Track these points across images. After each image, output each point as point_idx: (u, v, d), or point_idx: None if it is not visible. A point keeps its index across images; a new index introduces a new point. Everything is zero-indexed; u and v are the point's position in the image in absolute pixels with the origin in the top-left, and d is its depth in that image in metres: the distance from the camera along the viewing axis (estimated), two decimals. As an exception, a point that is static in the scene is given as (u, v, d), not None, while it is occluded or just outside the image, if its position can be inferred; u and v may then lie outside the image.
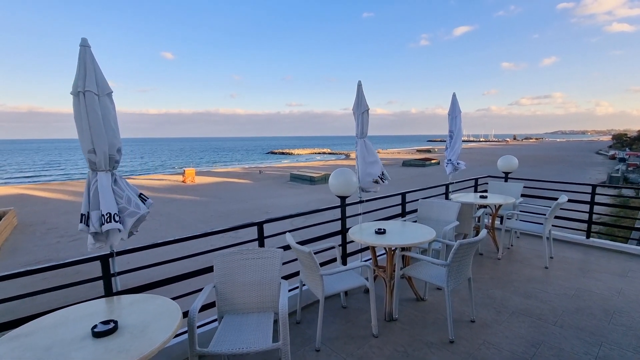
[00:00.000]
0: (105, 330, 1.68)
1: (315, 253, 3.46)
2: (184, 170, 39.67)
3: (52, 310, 1.92)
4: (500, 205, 5.01)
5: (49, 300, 2.25)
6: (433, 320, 3.20)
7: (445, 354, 2.66)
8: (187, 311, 2.13)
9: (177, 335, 2.54)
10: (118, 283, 2.27)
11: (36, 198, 28.56)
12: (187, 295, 2.69)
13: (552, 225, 5.07)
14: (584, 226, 5.31)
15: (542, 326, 3.04)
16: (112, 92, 2.11)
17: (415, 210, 4.50)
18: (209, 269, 2.62)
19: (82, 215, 2.07)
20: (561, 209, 4.61)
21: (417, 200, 4.49)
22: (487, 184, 5.95)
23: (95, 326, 1.70)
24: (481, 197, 5.04)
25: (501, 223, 4.88)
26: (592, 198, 5.16)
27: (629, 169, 39.13)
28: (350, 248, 3.93)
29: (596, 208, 5.34)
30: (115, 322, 1.74)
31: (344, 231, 3.75)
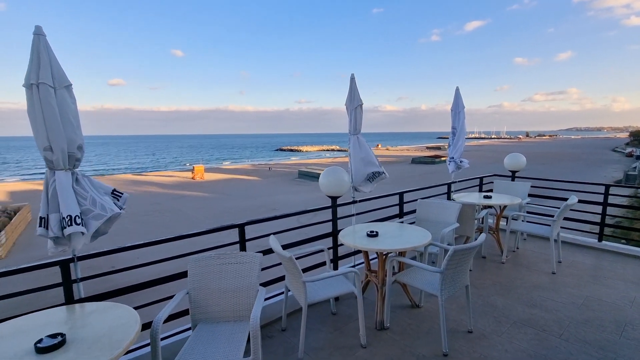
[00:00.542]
0: (50, 346, 1.53)
1: (304, 256, 3.31)
2: (193, 167, 39.95)
3: (3, 320, 1.79)
4: (505, 206, 4.74)
5: (9, 307, 2.12)
6: (427, 329, 2.99)
7: (437, 369, 2.46)
8: (152, 322, 1.97)
9: (141, 347, 2.39)
10: (81, 290, 2.13)
11: None
12: (157, 302, 2.54)
13: (562, 228, 4.78)
14: (596, 228, 5.00)
15: (546, 339, 2.80)
16: (71, 84, 1.95)
17: (414, 211, 4.27)
18: (184, 274, 2.46)
19: (40, 218, 1.93)
20: (572, 210, 4.32)
21: (417, 200, 4.26)
22: (492, 183, 5.66)
23: (40, 340, 1.56)
24: (485, 197, 4.77)
25: (506, 224, 4.61)
26: (605, 199, 4.84)
27: (647, 167, 37.69)
28: (342, 250, 3.73)
29: (610, 209, 5.01)
30: (64, 335, 1.60)
31: (335, 233, 3.56)
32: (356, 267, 3.82)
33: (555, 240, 4.36)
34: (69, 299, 2.10)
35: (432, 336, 2.88)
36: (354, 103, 3.47)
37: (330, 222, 3.61)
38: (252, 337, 1.93)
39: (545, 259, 4.53)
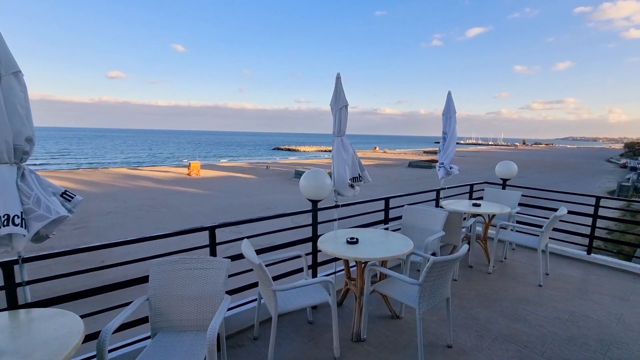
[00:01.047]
0: (-28, 359, 1.38)
1: (281, 262, 3.17)
2: (190, 163, 39.67)
3: None
4: (494, 215, 4.63)
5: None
6: (406, 342, 2.86)
7: (411, 387, 2.33)
8: (100, 332, 1.81)
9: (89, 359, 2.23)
10: (27, 294, 1.97)
11: None
12: (116, 308, 2.38)
13: (551, 239, 4.68)
14: (586, 240, 4.90)
15: (528, 356, 2.67)
16: (20, 71, 1.80)
17: (400, 217, 4.15)
18: (146, 279, 2.31)
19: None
20: (561, 221, 4.22)
21: (403, 206, 4.14)
22: (483, 190, 5.55)
23: (-38, 352, 1.40)
24: (474, 204, 4.66)
25: (495, 233, 4.49)
26: (596, 211, 4.74)
27: (641, 178, 37.98)
28: (323, 256, 3.59)
29: (601, 221, 4.92)
30: (-9, 347, 1.44)
31: (314, 238, 3.42)
32: (336, 274, 3.69)
33: (543, 251, 4.26)
34: (12, 304, 1.94)
35: (410, 350, 2.75)
36: (339, 103, 3.34)
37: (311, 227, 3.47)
38: (207, 351, 1.79)
39: (533, 270, 4.43)
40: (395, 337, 2.94)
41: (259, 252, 3.13)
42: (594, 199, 4.78)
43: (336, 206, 3.59)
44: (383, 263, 3.13)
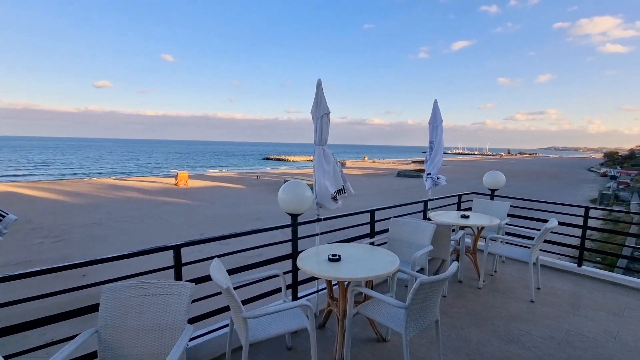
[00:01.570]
0: None
1: (257, 281, 2.91)
2: (177, 173, 38.95)
3: None
4: (483, 227, 4.49)
5: None
6: (392, 369, 2.62)
7: None
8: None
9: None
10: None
11: (24, 196, 27.61)
12: (59, 343, 2.07)
13: (541, 250, 4.55)
14: (575, 251, 4.79)
15: (523, 383, 2.47)
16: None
17: (387, 230, 3.95)
18: (96, 307, 2.02)
19: None
20: (551, 232, 4.11)
21: (390, 218, 3.95)
22: (471, 200, 5.43)
23: None
24: (462, 216, 4.50)
25: (485, 246, 4.33)
26: (585, 222, 4.65)
27: (620, 186, 39.06)
28: (304, 273, 3.35)
29: (589, 232, 4.83)
30: None
31: (294, 255, 3.18)
32: (319, 293, 3.44)
33: (535, 264, 4.11)
34: None
35: (397, 378, 2.51)
36: (320, 111, 3.15)
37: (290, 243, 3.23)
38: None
39: (524, 284, 4.27)
40: (381, 363, 2.70)
41: (232, 271, 2.87)
42: (583, 209, 4.69)
43: (318, 220, 3.37)
44: (368, 282, 2.91)
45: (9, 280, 1.90)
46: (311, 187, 3.28)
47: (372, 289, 3.98)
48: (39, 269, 1.97)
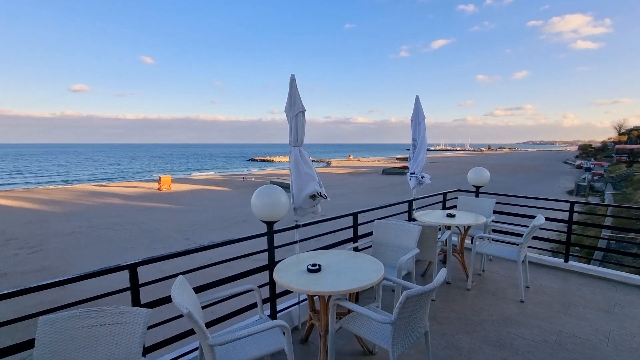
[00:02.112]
0: None
1: (232, 297, 2.64)
2: (159, 178, 37.84)
3: None
4: (469, 226, 4.36)
5: None
6: (380, 386, 2.42)
7: None
8: None
9: None
10: None
11: None
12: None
13: (528, 247, 4.47)
14: (560, 247, 4.73)
15: (519, 395, 2.31)
16: None
17: (371, 234, 3.75)
18: (32, 343, 1.71)
19: None
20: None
21: (374, 221, 3.75)
22: (456, 198, 5.31)
23: None
24: (448, 215, 4.36)
25: (472, 244, 4.20)
26: (571, 216, 4.59)
27: (594, 178, 40.59)
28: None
29: (574, 226, 4.78)
30: None
31: (271, 266, 2.93)
32: (300, 305, 3.21)
33: (523, 262, 4.00)
34: None
35: (385, 397, 2.31)
36: (295, 109, 2.91)
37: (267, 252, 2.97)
38: None
39: (513, 283, 4.16)
40: (368, 380, 2.49)
41: (204, 288, 2.60)
42: (568, 204, 4.64)
43: (297, 226, 3.13)
44: (351, 295, 2.70)
45: None
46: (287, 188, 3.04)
47: (357, 297, 3.80)
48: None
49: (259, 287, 2.83)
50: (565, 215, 4.67)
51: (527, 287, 4.03)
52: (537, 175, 45.09)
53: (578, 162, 64.20)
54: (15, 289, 1.77)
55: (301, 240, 3.19)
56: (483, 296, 3.84)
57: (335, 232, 3.87)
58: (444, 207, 5.53)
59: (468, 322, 3.28)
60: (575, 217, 4.68)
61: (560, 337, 2.99)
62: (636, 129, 64.08)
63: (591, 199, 29.62)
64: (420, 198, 4.84)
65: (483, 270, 4.57)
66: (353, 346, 2.90)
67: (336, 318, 2.65)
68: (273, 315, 2.96)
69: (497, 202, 4.97)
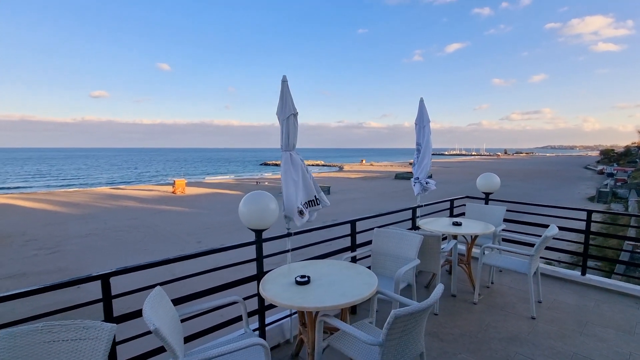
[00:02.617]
0: None
1: (216, 309, 2.51)
2: (174, 181, 38.56)
3: None
4: (477, 235, 4.11)
5: None
6: (371, 411, 2.22)
7: None
8: None
9: None
10: None
11: (19, 208, 27.15)
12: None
13: (541, 258, 4.18)
14: (577, 258, 4.41)
15: None
16: None
17: (370, 242, 3.57)
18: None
19: None
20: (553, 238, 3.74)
21: (373, 229, 3.57)
22: (464, 205, 5.05)
23: None
24: (454, 224, 4.13)
25: (479, 254, 3.94)
26: (588, 226, 4.27)
27: (617, 184, 38.89)
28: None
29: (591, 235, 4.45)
30: None
31: (260, 276, 2.78)
32: (292, 317, 3.05)
33: (535, 273, 3.72)
34: None
35: None
36: (286, 111, 2.78)
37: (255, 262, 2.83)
38: None
39: (524, 297, 3.88)
40: (358, 404, 2.30)
41: (187, 299, 2.48)
42: (585, 212, 4.32)
43: (288, 235, 2.98)
44: (344, 310, 2.52)
45: None
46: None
47: (355, 310, 3.61)
48: None
49: (246, 298, 2.71)
50: (582, 225, 4.36)
51: (539, 302, 3.74)
52: (556, 181, 43.61)
53: (600, 167, 61.80)
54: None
55: (294, 249, 3.04)
56: (490, 311, 3.59)
57: (333, 240, 3.70)
58: (451, 215, 5.28)
59: (473, 340, 3.04)
60: (595, 226, 4.36)
61: (574, 360, 2.73)
62: (662, 132, 61.22)
63: (614, 206, 28.32)
64: (425, 205, 4.61)
65: (492, 283, 4.30)
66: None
67: (327, 333, 2.49)
68: (261, 329, 2.82)
69: (508, 210, 4.70)
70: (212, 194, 35.45)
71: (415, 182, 4.40)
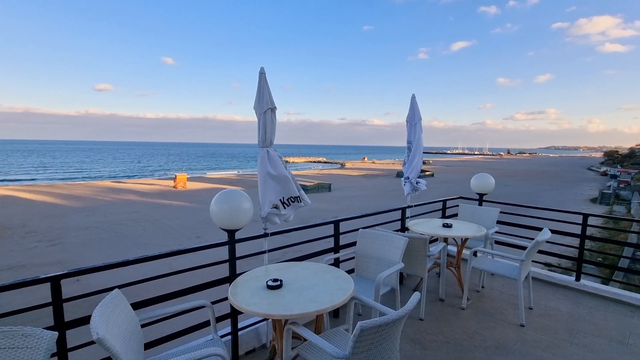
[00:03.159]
0: None
1: (182, 313, 2.39)
2: (175, 176, 38.57)
3: None
4: (467, 238, 3.96)
5: None
6: None
7: None
8: None
9: None
10: None
11: (21, 200, 27.20)
12: None
13: (534, 262, 4.03)
14: (570, 263, 4.26)
15: None
16: None
17: (354, 244, 3.43)
18: None
19: None
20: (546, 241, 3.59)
21: (360, 229, 3.42)
22: (457, 206, 4.90)
23: None
24: (444, 225, 3.98)
25: (474, 255, 3.79)
26: (584, 230, 4.11)
27: (620, 185, 38.48)
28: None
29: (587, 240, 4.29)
30: None
31: (232, 279, 2.65)
32: (269, 321, 2.92)
33: (526, 278, 3.58)
34: None
35: None
36: (263, 105, 2.63)
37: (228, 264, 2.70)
38: None
39: (515, 302, 3.74)
40: (329, 416, 2.17)
41: (150, 303, 2.35)
42: (581, 216, 4.16)
43: (265, 235, 2.85)
44: (319, 317, 2.39)
45: None
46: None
47: (332, 315, 3.47)
48: None
49: (219, 301, 2.59)
50: (578, 229, 4.20)
51: (530, 309, 3.60)
52: (559, 182, 43.22)
53: (603, 168, 61.27)
54: None
55: (271, 250, 2.91)
56: (478, 317, 3.45)
57: (314, 241, 3.55)
58: (443, 216, 5.13)
59: (457, 348, 2.91)
60: (593, 231, 4.20)
61: (562, 373, 2.59)
62: (668, 135, 60.57)
63: (616, 208, 28.04)
64: (416, 205, 4.46)
65: (483, 287, 4.15)
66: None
67: (301, 340, 2.36)
68: (234, 333, 2.69)
69: (502, 212, 4.55)
70: (213, 189, 35.42)
71: (405, 182, 4.25)
